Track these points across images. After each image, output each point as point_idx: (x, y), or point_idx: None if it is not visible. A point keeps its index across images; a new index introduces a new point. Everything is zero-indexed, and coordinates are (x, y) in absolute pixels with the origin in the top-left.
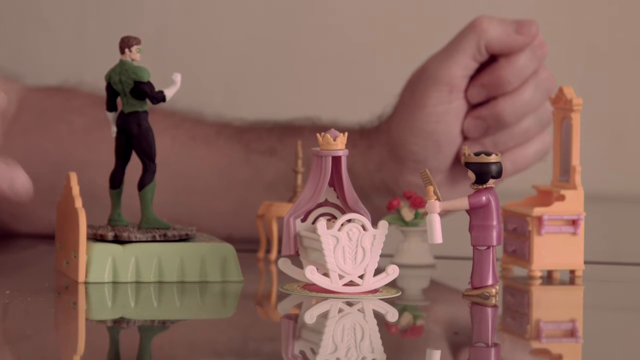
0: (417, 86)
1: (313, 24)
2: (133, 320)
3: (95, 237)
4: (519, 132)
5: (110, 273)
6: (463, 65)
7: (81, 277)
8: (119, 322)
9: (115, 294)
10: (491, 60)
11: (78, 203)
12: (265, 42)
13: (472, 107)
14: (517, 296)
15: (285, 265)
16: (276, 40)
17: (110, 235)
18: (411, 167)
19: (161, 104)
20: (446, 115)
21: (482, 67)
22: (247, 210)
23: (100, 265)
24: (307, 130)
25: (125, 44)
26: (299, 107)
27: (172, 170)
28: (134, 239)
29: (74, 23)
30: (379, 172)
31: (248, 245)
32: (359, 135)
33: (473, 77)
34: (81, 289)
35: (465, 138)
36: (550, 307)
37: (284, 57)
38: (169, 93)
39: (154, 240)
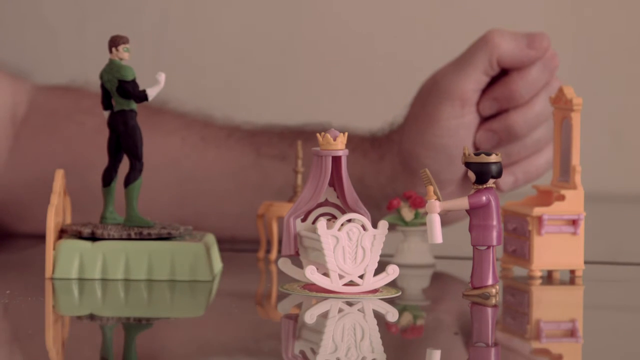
0: (428, 100)
1: (324, 30)
2: (106, 318)
3: (74, 234)
4: (531, 143)
5: (77, 269)
6: (475, 79)
7: (48, 273)
8: (93, 319)
9: (84, 290)
10: (502, 72)
11: (52, 199)
12: (274, 46)
13: (484, 119)
14: (517, 296)
15: (285, 265)
16: (285, 45)
17: (86, 232)
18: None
19: (171, 106)
20: (458, 130)
21: (494, 80)
22: (254, 214)
23: (67, 261)
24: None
25: (112, 43)
26: (309, 113)
27: (180, 171)
28: (106, 236)
29: (75, 22)
30: (391, 184)
31: (249, 245)
32: (370, 145)
33: (484, 90)
34: (47, 285)
35: (476, 149)
36: (550, 307)
37: (294, 63)
38: (151, 92)
39: (128, 238)
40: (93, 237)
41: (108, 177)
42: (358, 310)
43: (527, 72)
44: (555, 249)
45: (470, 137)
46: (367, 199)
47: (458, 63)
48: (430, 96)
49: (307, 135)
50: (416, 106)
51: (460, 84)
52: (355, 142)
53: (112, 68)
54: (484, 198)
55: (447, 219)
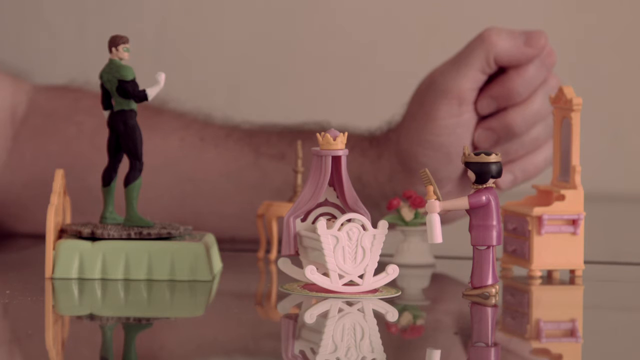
0: (426, 99)
1: (323, 30)
2: (106, 317)
3: (74, 234)
4: (529, 141)
5: (77, 269)
6: (472, 78)
7: (48, 273)
8: (93, 319)
9: (84, 290)
10: (499, 70)
11: (52, 199)
12: (273, 46)
13: (482, 117)
14: (517, 296)
15: (285, 265)
16: (284, 45)
17: (86, 232)
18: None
19: (171, 106)
20: (456, 128)
21: (491, 78)
22: (253, 214)
23: (67, 261)
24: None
25: (112, 43)
26: (308, 112)
27: (180, 171)
28: (106, 236)
29: (75, 22)
30: (390, 183)
31: (248, 245)
32: (368, 144)
33: (482, 88)
34: (47, 285)
35: (475, 148)
36: (550, 306)
37: (293, 63)
38: (151, 92)
39: (128, 238)
40: (93, 237)
41: (108, 177)
42: (358, 310)
43: (524, 70)
44: (555, 248)
45: (467, 136)
46: (366, 198)
47: (455, 61)
48: (427, 95)
49: (306, 134)
50: (414, 105)
51: (458, 83)
52: (354, 141)
53: (111, 68)
54: (484, 198)
55: (447, 218)
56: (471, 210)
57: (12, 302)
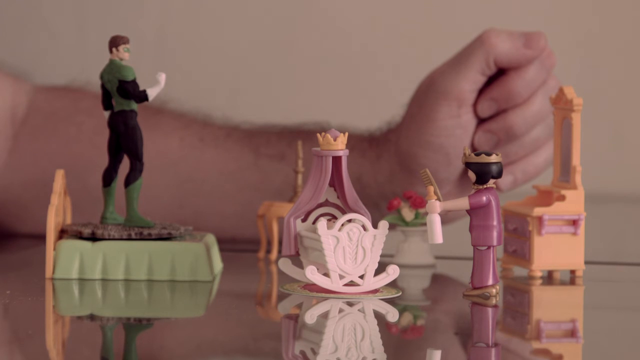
0: (425, 100)
1: (322, 30)
2: (106, 318)
3: (75, 234)
4: (529, 142)
5: (78, 269)
6: (472, 80)
7: (48, 273)
8: (93, 319)
9: (84, 291)
10: (498, 72)
11: (53, 199)
12: (273, 46)
13: (481, 120)
14: (518, 296)
15: (285, 265)
16: (283, 45)
17: (86, 232)
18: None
19: (171, 106)
20: (456, 129)
21: (490, 80)
22: (253, 214)
23: (67, 261)
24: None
25: (112, 43)
26: (307, 112)
27: (180, 171)
28: (107, 236)
29: (75, 22)
30: (389, 184)
31: (249, 246)
32: (368, 144)
33: (481, 90)
34: (48, 285)
35: (475, 150)
36: (550, 307)
37: (292, 63)
38: (151, 92)
39: (128, 239)
40: (93, 237)
41: (108, 177)
42: (358, 310)
43: (524, 72)
44: (556, 249)
45: (467, 137)
46: (365, 198)
47: (455, 63)
48: (427, 96)
49: (305, 134)
50: (413, 106)
51: (457, 84)
52: (353, 141)
53: (112, 68)
54: (484, 198)
55: (447, 218)
56: (471, 211)
57: (12, 302)
